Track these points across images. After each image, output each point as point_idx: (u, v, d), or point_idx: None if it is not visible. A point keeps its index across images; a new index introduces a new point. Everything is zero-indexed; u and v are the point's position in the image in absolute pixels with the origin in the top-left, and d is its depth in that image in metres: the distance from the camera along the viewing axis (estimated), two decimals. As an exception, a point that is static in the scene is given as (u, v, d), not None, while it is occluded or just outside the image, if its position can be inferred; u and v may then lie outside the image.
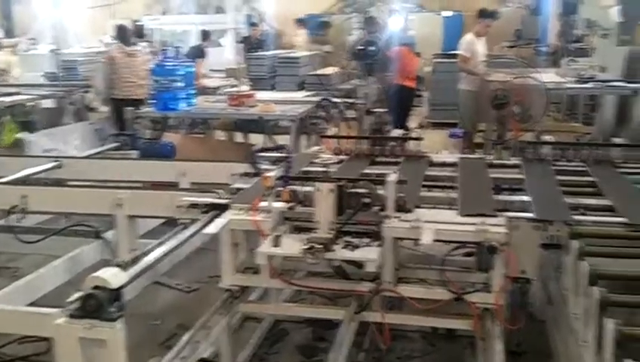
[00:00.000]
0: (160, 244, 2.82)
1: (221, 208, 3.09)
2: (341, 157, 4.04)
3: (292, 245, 2.72)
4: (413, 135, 4.44)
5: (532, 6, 15.69)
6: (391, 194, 2.91)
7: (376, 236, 2.82)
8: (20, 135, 6.82)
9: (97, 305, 2.21)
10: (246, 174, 3.58)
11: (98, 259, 4.32)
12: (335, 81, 8.31)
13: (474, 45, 8.11)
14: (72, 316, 2.20)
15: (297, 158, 3.90)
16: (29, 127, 7.50)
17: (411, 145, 4.14)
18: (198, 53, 10.10)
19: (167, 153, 5.42)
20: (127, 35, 8.53)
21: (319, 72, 8.56)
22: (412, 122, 10.39)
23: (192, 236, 2.92)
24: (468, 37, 8.28)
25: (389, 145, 4.14)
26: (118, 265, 2.44)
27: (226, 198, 3.21)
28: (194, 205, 3.23)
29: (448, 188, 3.40)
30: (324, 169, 3.22)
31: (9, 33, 14.40)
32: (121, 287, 2.31)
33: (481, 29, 8.21)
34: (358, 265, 2.78)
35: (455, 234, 2.83)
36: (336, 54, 10.28)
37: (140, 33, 10.74)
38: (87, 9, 14.42)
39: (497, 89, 5.63)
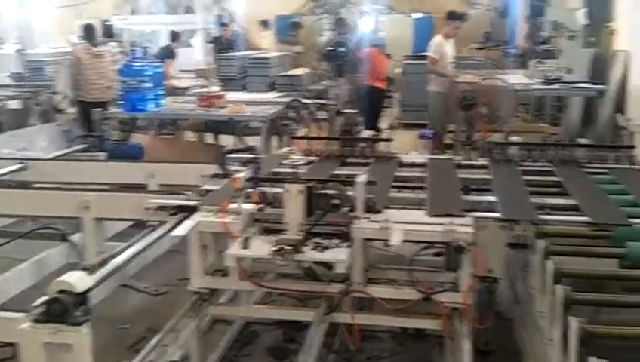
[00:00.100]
0: (127, 247, 2.79)
1: (190, 210, 3.06)
2: (311, 158, 4.04)
3: (261, 247, 2.72)
4: (384, 136, 4.46)
5: (500, 8, 15.88)
6: (360, 195, 2.92)
7: (345, 237, 2.83)
8: (-16, 136, 6.69)
9: (62, 310, 2.18)
10: (215, 176, 3.55)
11: (64, 263, 4.28)
12: (306, 82, 8.31)
13: (443, 47, 8.18)
14: (36, 321, 2.17)
15: (267, 159, 3.89)
16: (-6, 128, 7.36)
17: (381, 146, 4.17)
18: (167, 54, 10.02)
19: (135, 154, 5.37)
20: (94, 34, 8.41)
21: (290, 72, 8.55)
22: (383, 123, 10.44)
23: (159, 238, 2.90)
24: (437, 39, 8.34)
25: (359, 146, 4.16)
26: (84, 269, 2.41)
27: (195, 200, 3.19)
28: (162, 207, 3.20)
29: (417, 188, 3.42)
30: (293, 170, 3.22)
31: (-28, 33, 14.12)
32: (87, 291, 2.29)
33: (450, 31, 8.28)
34: (328, 266, 2.78)
35: (423, 234, 2.85)
36: (307, 55, 10.29)
37: (109, 33, 10.62)
38: (54, 8, 14.19)
39: (465, 90, 5.69)
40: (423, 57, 8.80)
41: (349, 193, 2.91)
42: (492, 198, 3.22)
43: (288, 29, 11.94)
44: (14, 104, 8.23)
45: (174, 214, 3.13)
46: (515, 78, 8.72)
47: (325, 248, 2.75)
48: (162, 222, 3.07)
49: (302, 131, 5.93)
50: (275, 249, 2.63)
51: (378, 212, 2.97)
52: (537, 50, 9.05)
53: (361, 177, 2.97)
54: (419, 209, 3.08)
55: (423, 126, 9.36)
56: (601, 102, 8.22)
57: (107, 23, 12.48)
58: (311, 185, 2.84)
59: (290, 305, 3.58)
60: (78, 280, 2.26)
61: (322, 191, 2.87)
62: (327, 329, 3.19)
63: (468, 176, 3.67)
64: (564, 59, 8.35)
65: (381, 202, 3.05)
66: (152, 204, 3.23)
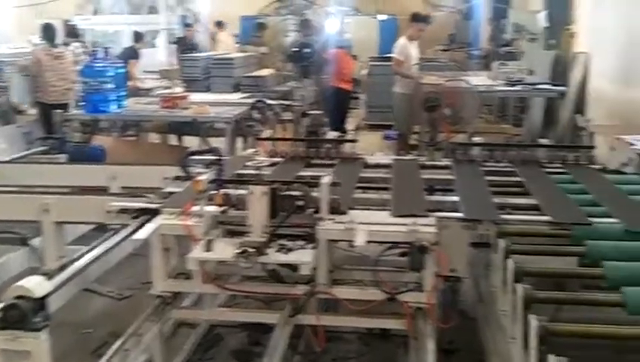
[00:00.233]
0: (88, 251, 2.75)
1: (152, 213, 3.03)
2: (275, 159, 4.03)
3: (225, 249, 2.70)
4: (349, 137, 4.48)
5: (464, 11, 16.07)
6: (325, 197, 2.92)
7: (310, 238, 2.82)
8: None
9: (20, 316, 2.14)
10: (178, 178, 3.52)
11: (25, 267, 4.20)
12: (271, 83, 8.29)
13: (407, 49, 8.24)
14: (-7, 327, 2.12)
15: (230, 161, 3.87)
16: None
17: (347, 148, 4.17)
18: (131, 55, 9.91)
19: (97, 157, 5.28)
20: (54, 35, 8.26)
21: (255, 73, 8.52)
22: (349, 124, 10.48)
23: (121, 242, 2.86)
24: (401, 41, 8.40)
25: (325, 148, 4.16)
26: (43, 274, 2.37)
27: (157, 203, 3.15)
28: (124, 210, 3.15)
29: (382, 189, 3.43)
30: (257, 172, 3.20)
31: None
32: (46, 296, 2.25)
33: (414, 33, 8.34)
34: (293, 267, 2.77)
35: (387, 234, 2.86)
36: (272, 56, 10.26)
37: (74, 33, 10.44)
38: (14, 8, 13.92)
39: (429, 92, 5.75)
40: (389, 59, 8.85)
41: (314, 194, 2.91)
42: (455, 198, 3.25)
43: (253, 29, 11.91)
44: (-27, 105, 8.07)
45: (136, 217, 3.09)
46: (479, 79, 8.84)
47: (290, 250, 2.74)
48: (124, 226, 3.03)
49: (267, 132, 5.91)
50: (238, 251, 2.62)
51: (342, 213, 2.97)
52: (500, 52, 9.17)
53: (326, 178, 2.97)
54: (383, 209, 3.09)
55: (389, 127, 9.41)
56: (562, 103, 8.37)
57: (70, 23, 12.27)
58: (275, 187, 2.83)
59: (256, 307, 3.57)
60: (36, 285, 2.22)
61: (286, 193, 2.86)
62: (292, 331, 3.18)
63: (431, 177, 3.70)
64: (525, 61, 8.48)
65: (345, 203, 3.05)
66: (113, 207, 3.18)
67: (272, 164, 3.90)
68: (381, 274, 2.94)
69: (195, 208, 2.89)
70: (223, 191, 2.99)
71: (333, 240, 2.95)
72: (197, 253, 2.70)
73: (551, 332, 1.91)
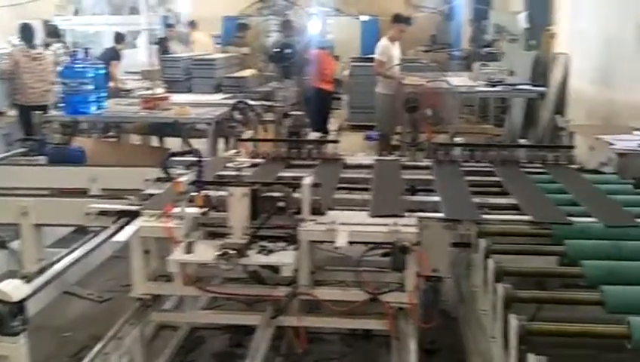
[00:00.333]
0: (68, 253, 2.72)
1: (132, 215, 3.00)
2: (256, 160, 4.02)
3: (205, 251, 2.68)
4: (331, 138, 4.48)
5: (446, 12, 16.15)
6: (306, 197, 2.91)
7: (292, 240, 2.82)
8: None
9: (-3, 320, 2.11)
10: (159, 179, 3.49)
11: (4, 270, 4.13)
12: (252, 84, 8.26)
13: (389, 50, 8.25)
14: (-30, 332, 2.09)
15: (211, 162, 3.85)
16: None
17: (329, 148, 4.18)
18: (113, 56, 9.84)
19: (77, 158, 5.22)
20: (33, 35, 8.17)
21: (237, 74, 8.49)
22: (332, 125, 10.48)
23: (100, 244, 2.83)
24: (383, 41, 8.42)
25: (306, 148, 4.16)
26: (23, 277, 2.35)
27: (138, 205, 3.13)
28: (103, 212, 3.12)
29: (362, 190, 3.44)
30: (237, 173, 3.19)
31: None
32: (24, 300, 2.22)
33: (396, 34, 8.36)
34: (275, 269, 2.77)
35: (369, 235, 2.87)
36: (254, 56, 10.23)
37: (55, 33, 10.35)
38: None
39: (409, 93, 5.76)
40: (371, 60, 8.86)
41: (295, 195, 2.90)
42: (435, 198, 3.26)
43: (235, 30, 11.87)
44: (-49, 107, 7.95)
45: (117, 219, 3.06)
46: (460, 80, 8.88)
47: (271, 251, 2.74)
48: (104, 228, 3.00)
49: (247, 133, 5.90)
50: (219, 253, 2.60)
51: (322, 214, 2.97)
52: (481, 53, 9.22)
53: (307, 179, 2.96)
54: (362, 210, 3.10)
55: (372, 128, 9.43)
56: (542, 103, 8.44)
57: (50, 24, 12.16)
58: (255, 188, 2.82)
59: (238, 309, 3.56)
60: (14, 289, 2.19)
61: (267, 194, 2.85)
62: (274, 333, 3.17)
63: (411, 177, 3.72)
64: (506, 62, 8.54)
65: (325, 204, 3.05)
66: (92, 209, 3.15)
67: (253, 165, 3.89)
68: (363, 274, 2.94)
69: (176, 210, 2.87)
70: (203, 192, 2.98)
71: (314, 242, 2.94)
72: (177, 255, 2.69)
73: (530, 332, 1.92)
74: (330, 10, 15.60)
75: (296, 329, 3.01)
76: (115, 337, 2.83)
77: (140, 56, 12.07)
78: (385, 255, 3.08)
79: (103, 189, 4.06)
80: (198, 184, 2.98)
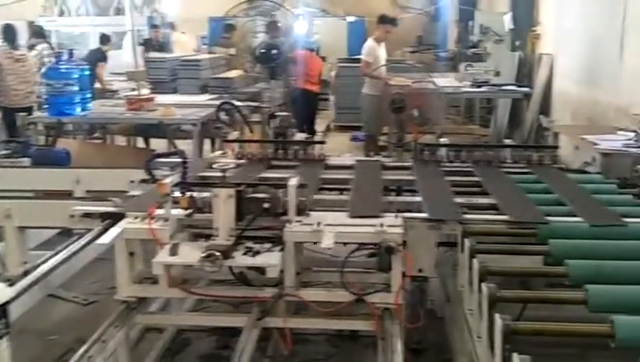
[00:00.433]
0: (51, 256, 2.69)
1: (116, 217, 2.98)
2: (241, 161, 4.01)
3: (190, 253, 2.66)
4: (317, 138, 4.48)
5: (432, 13, 16.21)
6: (292, 199, 2.91)
7: (277, 241, 2.81)
8: None
9: (-21, 324, 2.09)
10: (144, 181, 3.48)
11: (-13, 274, 4.09)
12: (239, 85, 8.24)
13: (375, 50, 8.26)
14: (-49, 336, 2.07)
15: (195, 163, 3.84)
16: None
17: (316, 149, 4.17)
18: (100, 57, 9.80)
19: (61, 160, 5.17)
20: (15, 36, 8.10)
21: (222, 75, 8.46)
22: (319, 125, 10.48)
23: (84, 247, 2.81)
24: (369, 42, 8.42)
25: (292, 149, 4.15)
26: (6, 279, 2.32)
27: (122, 207, 3.10)
28: (88, 214, 3.10)
29: (342, 190, 3.45)
30: (222, 174, 3.18)
31: None
32: (7, 303, 2.20)
33: (381, 35, 8.37)
34: (261, 270, 2.75)
35: (354, 236, 2.86)
36: (241, 57, 10.20)
37: (40, 34, 10.27)
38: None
39: (395, 93, 5.77)
40: (357, 60, 8.87)
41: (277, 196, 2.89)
42: (416, 199, 3.29)
43: (222, 31, 11.84)
44: None
45: (102, 221, 3.04)
46: (446, 80, 8.92)
47: (257, 253, 2.72)
48: (89, 230, 2.98)
49: (234, 134, 5.88)
50: (204, 255, 2.58)
51: (306, 215, 2.96)
52: (467, 54, 9.27)
53: (293, 180, 2.96)
54: (342, 211, 3.10)
55: (358, 128, 9.44)
56: (527, 104, 8.49)
57: (35, 24, 12.07)
58: (241, 189, 2.81)
59: (224, 311, 3.54)
60: (-4, 292, 2.17)
61: (252, 196, 2.85)
62: (261, 334, 3.16)
63: (392, 178, 3.75)
64: (492, 63, 8.58)
65: (305, 205, 3.05)
66: (76, 211, 3.12)
67: (238, 166, 3.88)
68: (349, 275, 2.94)
69: (160, 211, 2.85)
70: (188, 194, 2.96)
71: (300, 243, 2.94)
72: (162, 257, 2.67)
73: (515, 331, 1.92)
74: (317, 11, 15.62)
75: (282, 331, 3.00)
76: (100, 340, 2.80)
77: (125, 57, 12.01)
78: (371, 256, 3.08)
79: (88, 191, 4.03)
80: (183, 185, 2.96)
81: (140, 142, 8.06)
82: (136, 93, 7.09)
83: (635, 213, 3.05)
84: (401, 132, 6.86)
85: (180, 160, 3.12)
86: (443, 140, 4.48)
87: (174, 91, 8.24)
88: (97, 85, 9.54)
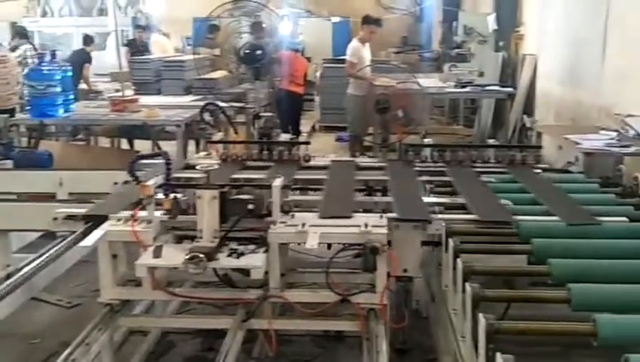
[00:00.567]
0: (34, 259, 2.67)
1: (100, 219, 2.96)
2: (215, 162, 4.00)
3: (174, 255, 2.65)
4: (301, 139, 4.48)
5: (417, 13, 16.26)
6: (276, 200, 2.90)
7: (262, 242, 2.80)
8: None
9: (-41, 328, 2.06)
10: (127, 183, 3.45)
11: (-29, 277, 4.06)
12: (223, 85, 8.21)
13: (360, 51, 8.27)
14: None
15: (177, 165, 3.82)
16: None
17: (301, 150, 4.17)
18: (85, 58, 9.74)
19: (44, 162, 5.13)
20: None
21: (207, 75, 8.43)
22: (304, 126, 10.47)
23: (67, 249, 2.79)
24: (354, 43, 8.43)
25: (276, 150, 4.14)
26: (-11, 282, 2.30)
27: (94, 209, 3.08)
28: (70, 216, 3.07)
29: (315, 190, 3.47)
30: (205, 175, 3.16)
31: None
32: (-12, 307, 2.18)
33: (366, 35, 8.38)
34: (245, 272, 2.74)
35: (339, 236, 2.87)
36: (226, 58, 10.18)
37: (24, 34, 10.18)
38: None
39: (379, 94, 5.79)
40: (342, 61, 8.88)
41: (244, 196, 2.88)
42: (387, 199, 3.33)
43: (206, 31, 11.80)
44: None
45: (85, 224, 3.02)
46: (431, 81, 8.94)
47: (241, 254, 2.71)
48: (73, 232, 2.96)
49: (219, 135, 5.87)
50: (188, 257, 2.57)
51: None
52: (451, 55, 9.30)
53: (277, 181, 2.95)
54: (313, 211, 3.11)
55: (344, 129, 9.45)
56: (511, 104, 8.54)
57: (18, 25, 11.97)
58: (225, 191, 2.79)
59: (210, 312, 3.53)
60: (-23, 295, 2.14)
61: (237, 197, 2.84)
62: (247, 336, 3.16)
63: (365, 178, 3.78)
64: (476, 63, 8.62)
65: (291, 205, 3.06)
66: (59, 214, 3.10)
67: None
68: (334, 276, 2.93)
69: (143, 213, 2.84)
70: (172, 195, 2.94)
71: (285, 244, 2.94)
72: (145, 259, 2.65)
73: (499, 330, 1.93)
74: (302, 12, 15.61)
75: (268, 332, 2.99)
76: (83, 343, 2.78)
77: (107, 58, 11.95)
78: (357, 256, 3.09)
79: (71, 193, 4.01)
80: (166, 187, 2.94)
81: (124, 144, 8.02)
82: (120, 94, 7.05)
83: (615, 212, 3.09)
84: (386, 132, 6.87)
85: (164, 161, 3.09)
86: (427, 141, 4.50)
87: (158, 92, 8.20)
88: (83, 86, 9.49)
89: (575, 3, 7.12)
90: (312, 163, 4.09)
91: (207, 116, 5.10)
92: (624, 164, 4.22)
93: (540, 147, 4.54)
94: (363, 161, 4.32)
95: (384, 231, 2.82)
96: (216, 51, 10.38)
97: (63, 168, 4.60)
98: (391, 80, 7.65)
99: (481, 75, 8.53)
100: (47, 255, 2.73)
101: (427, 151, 4.09)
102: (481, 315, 1.97)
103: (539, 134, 5.84)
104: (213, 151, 4.36)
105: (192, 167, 3.91)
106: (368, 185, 3.74)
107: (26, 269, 2.59)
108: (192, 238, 2.78)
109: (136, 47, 11.10)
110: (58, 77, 6.23)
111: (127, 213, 2.93)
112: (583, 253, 2.55)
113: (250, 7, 9.94)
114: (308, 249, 2.81)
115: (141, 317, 3.43)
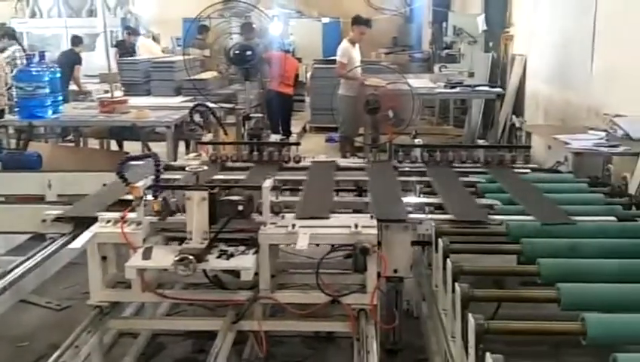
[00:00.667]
0: (24, 261, 2.66)
1: (89, 220, 2.95)
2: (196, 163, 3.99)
3: (164, 257, 2.64)
4: (292, 140, 4.48)
5: (407, 14, 16.30)
6: (266, 201, 2.90)
7: (252, 243, 2.80)
8: None
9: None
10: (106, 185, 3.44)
11: (-42, 280, 4.02)
12: (213, 86, 8.19)
13: (350, 52, 8.28)
14: None
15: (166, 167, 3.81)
16: None
17: (291, 151, 4.18)
18: (75, 59, 9.69)
19: (32, 164, 5.10)
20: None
21: (197, 76, 8.40)
22: (295, 127, 10.46)
23: (56, 251, 2.77)
24: (344, 44, 8.44)
25: (267, 151, 4.14)
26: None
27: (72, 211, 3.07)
28: (59, 218, 3.06)
29: (296, 191, 3.49)
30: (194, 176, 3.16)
31: None
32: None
33: (356, 36, 8.38)
34: (236, 273, 2.74)
35: (329, 237, 2.87)
36: (216, 58, 10.16)
37: (12, 35, 10.13)
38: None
39: (369, 94, 5.79)
40: (333, 62, 8.88)
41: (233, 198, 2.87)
42: (365, 199, 3.35)
43: (196, 32, 11.78)
44: None
45: (74, 226, 3.01)
46: (421, 82, 8.95)
47: (231, 255, 2.71)
48: (62, 234, 2.95)
49: (208, 136, 5.86)
50: (177, 259, 2.56)
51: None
52: (441, 55, 9.34)
53: (267, 182, 2.95)
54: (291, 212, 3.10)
55: (334, 129, 9.45)
56: (501, 104, 8.57)
57: (7, 26, 11.90)
58: (214, 192, 2.79)
59: (200, 314, 3.53)
60: (-35, 298, 2.13)
61: (226, 198, 2.83)
62: (237, 337, 3.15)
63: (344, 178, 3.80)
64: (465, 64, 8.65)
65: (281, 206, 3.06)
66: (48, 216, 3.08)
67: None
68: (325, 276, 2.93)
69: (132, 215, 2.83)
70: (161, 197, 2.93)
71: (275, 245, 2.93)
72: (135, 261, 2.64)
73: (488, 330, 1.93)
74: (292, 12, 15.61)
75: (258, 333, 2.99)
76: (73, 346, 2.77)
77: (96, 59, 11.90)
78: (348, 256, 3.09)
79: (60, 195, 3.99)
80: (155, 188, 2.93)
81: (114, 145, 7.98)
82: (109, 95, 7.02)
83: (604, 211, 3.11)
84: (376, 133, 6.87)
85: (153, 162, 3.08)
86: (417, 141, 4.51)
87: (148, 93, 8.16)
88: (74, 87, 9.45)
89: (564, 4, 7.16)
90: (291, 164, 4.08)
91: (197, 117, 5.09)
92: (613, 164, 4.25)
93: (529, 147, 4.57)
94: (343, 161, 4.32)
95: (374, 231, 2.82)
96: (206, 52, 10.35)
97: (52, 170, 4.58)
98: (381, 80, 7.65)
99: (471, 75, 8.56)
100: (36, 257, 2.73)
101: (417, 152, 4.10)
102: (470, 315, 1.97)
103: (528, 134, 5.86)
104: (203, 153, 4.35)
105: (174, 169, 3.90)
106: (348, 185, 3.76)
107: (14, 272, 2.58)
108: (182, 240, 2.77)
109: (125, 49, 11.06)
110: (47, 78, 6.19)
111: (116, 215, 2.92)
112: (571, 252, 2.56)
113: (241, 7, 9.91)
114: (298, 250, 2.80)
115: (131, 319, 3.41)
